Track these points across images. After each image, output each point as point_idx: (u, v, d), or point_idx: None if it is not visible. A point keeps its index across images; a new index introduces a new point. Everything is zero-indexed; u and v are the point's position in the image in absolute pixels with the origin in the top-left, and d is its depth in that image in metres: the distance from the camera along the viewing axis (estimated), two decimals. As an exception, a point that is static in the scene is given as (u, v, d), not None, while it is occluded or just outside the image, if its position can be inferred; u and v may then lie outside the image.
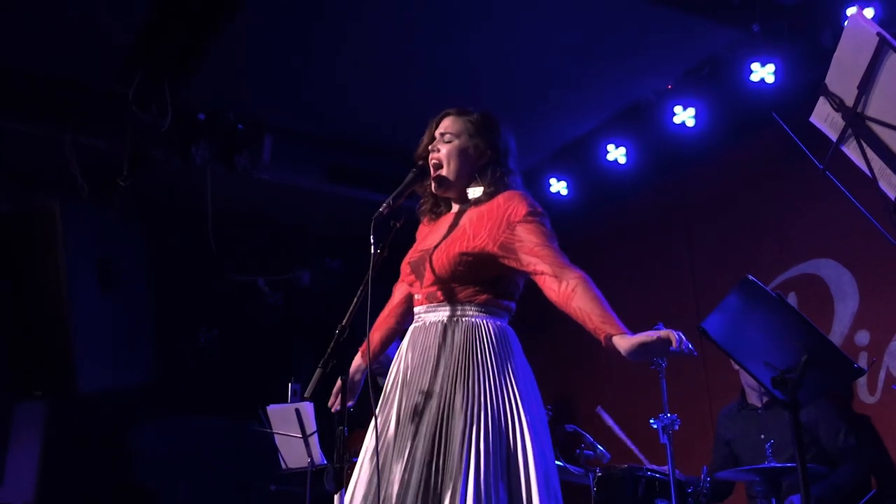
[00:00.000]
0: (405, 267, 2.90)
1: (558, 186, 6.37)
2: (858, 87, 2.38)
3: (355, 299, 2.59)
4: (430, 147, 2.91)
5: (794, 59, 4.87)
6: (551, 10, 4.81)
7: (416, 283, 2.83)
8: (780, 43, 4.87)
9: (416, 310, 2.83)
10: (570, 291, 2.56)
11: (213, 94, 5.56)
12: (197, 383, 6.53)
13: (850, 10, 4.37)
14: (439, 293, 2.75)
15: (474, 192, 2.86)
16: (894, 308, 4.56)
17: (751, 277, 2.65)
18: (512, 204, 2.75)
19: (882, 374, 4.61)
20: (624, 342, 2.46)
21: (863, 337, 4.74)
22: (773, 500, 4.03)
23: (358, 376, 3.01)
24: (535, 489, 2.50)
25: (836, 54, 2.46)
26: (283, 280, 6.99)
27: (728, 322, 2.78)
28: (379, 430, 2.65)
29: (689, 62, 5.30)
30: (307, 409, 4.58)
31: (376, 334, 3.03)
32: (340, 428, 2.47)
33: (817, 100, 2.55)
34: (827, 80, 2.48)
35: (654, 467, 4.55)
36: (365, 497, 2.60)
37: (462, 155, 2.87)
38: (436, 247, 2.79)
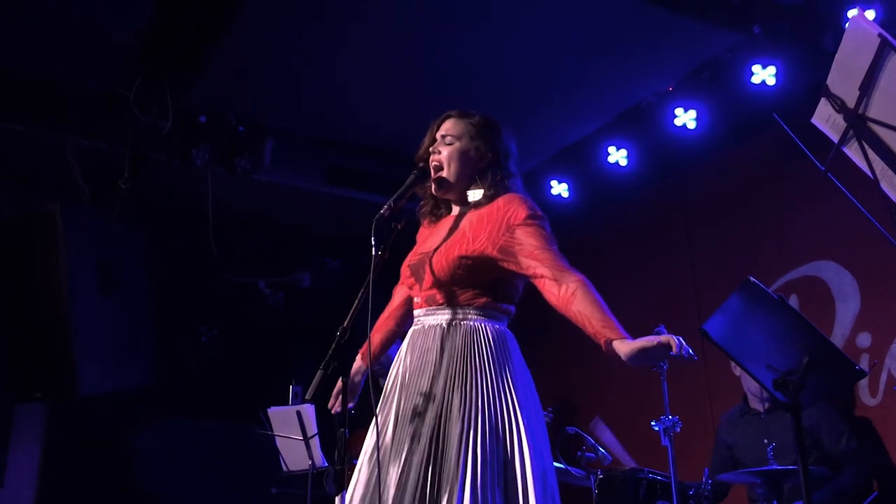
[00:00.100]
0: (405, 269, 2.90)
1: (559, 188, 6.37)
2: (860, 89, 2.38)
3: (356, 301, 2.59)
4: (430, 149, 2.91)
5: (795, 61, 4.87)
6: (552, 12, 4.81)
7: (416, 286, 2.83)
8: (781, 45, 4.86)
9: (415, 313, 2.83)
10: (569, 295, 2.56)
11: (213, 97, 5.57)
12: (198, 385, 6.52)
13: (852, 12, 4.37)
14: (438, 296, 2.75)
15: (474, 194, 2.86)
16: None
17: (752, 279, 2.65)
18: (511, 207, 2.75)
19: (883, 377, 4.61)
20: (624, 347, 2.46)
21: (864, 339, 4.73)
22: (775, 502, 4.02)
23: (358, 378, 3.02)
24: (532, 494, 2.49)
25: (837, 56, 2.45)
26: (283, 282, 6.98)
27: (729, 324, 2.78)
28: (378, 432, 2.65)
29: (690, 64, 5.30)
30: (308, 411, 4.58)
31: (376, 336, 3.03)
32: (341, 430, 2.47)
33: (818, 101, 2.54)
34: (828, 82, 2.48)
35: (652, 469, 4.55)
36: (363, 498, 2.60)
37: (463, 157, 2.87)
38: (435, 250, 2.79)
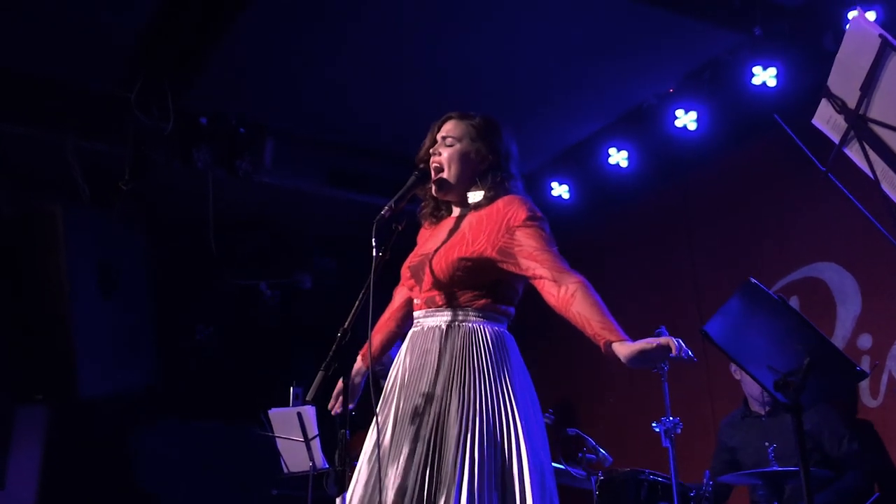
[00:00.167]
0: (405, 271, 2.90)
1: (560, 190, 6.37)
2: (861, 89, 2.38)
3: (357, 302, 2.59)
4: (431, 150, 2.91)
5: (796, 62, 4.87)
6: (552, 13, 4.81)
7: (416, 288, 2.83)
8: (781, 46, 4.86)
9: (415, 314, 2.83)
10: (569, 296, 2.56)
11: (214, 98, 5.57)
12: (198, 387, 6.52)
13: (852, 13, 4.37)
14: (438, 298, 2.75)
15: (475, 196, 2.86)
16: (897, 311, 4.56)
17: (753, 280, 2.65)
18: (511, 208, 2.75)
19: (885, 378, 4.60)
20: (623, 349, 2.46)
21: (865, 340, 4.73)
22: (776, 503, 4.02)
23: (358, 379, 3.02)
24: (530, 495, 2.49)
25: (838, 56, 2.45)
26: (284, 283, 6.99)
27: (730, 325, 2.78)
28: (377, 433, 2.65)
29: (691, 65, 5.30)
30: (309, 412, 4.57)
31: (377, 337, 3.03)
32: (342, 431, 2.46)
33: (819, 103, 2.54)
34: (829, 82, 2.47)
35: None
36: (362, 499, 2.60)
37: (463, 159, 2.87)
38: (435, 251, 2.79)
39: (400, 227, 2.71)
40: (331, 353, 2.51)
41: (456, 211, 2.94)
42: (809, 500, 2.63)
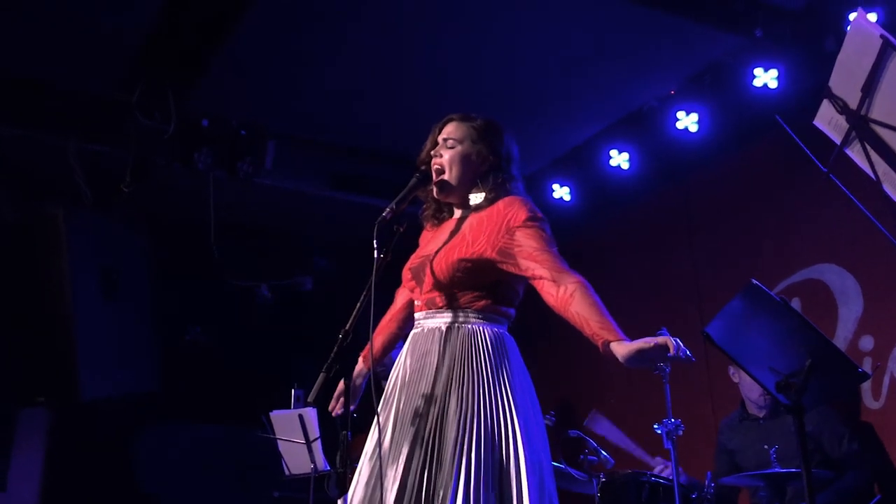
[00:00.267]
0: (406, 273, 2.90)
1: (561, 192, 6.36)
2: (862, 90, 2.38)
3: (358, 304, 2.59)
4: (432, 152, 2.92)
5: (797, 64, 4.87)
6: (553, 15, 4.81)
7: (417, 289, 2.83)
8: (782, 48, 4.86)
9: (416, 316, 2.84)
10: (568, 296, 2.56)
11: (216, 101, 5.57)
12: (199, 389, 6.52)
13: (853, 15, 4.37)
14: (438, 299, 2.75)
15: (476, 197, 2.86)
16: (898, 313, 4.56)
17: (755, 282, 2.65)
18: (512, 209, 2.75)
19: (886, 380, 4.60)
20: (621, 349, 2.46)
21: (867, 342, 4.72)
22: (777, 504, 4.02)
23: (359, 381, 3.02)
24: (527, 497, 2.49)
25: (839, 57, 2.45)
26: (285, 286, 6.99)
27: (732, 327, 2.77)
28: (378, 434, 2.65)
29: (692, 68, 5.30)
30: (310, 414, 4.57)
31: (378, 339, 3.04)
32: (343, 433, 2.47)
33: (820, 104, 2.54)
34: (830, 83, 2.48)
35: (658, 473, 4.54)
36: (363, 500, 2.60)
37: (465, 161, 2.87)
38: (436, 253, 2.79)
39: (401, 229, 2.71)
40: (332, 355, 2.51)
41: (457, 213, 2.94)
42: (811, 502, 2.63)
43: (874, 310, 4.71)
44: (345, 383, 2.77)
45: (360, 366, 3.03)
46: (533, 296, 2.74)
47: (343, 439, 2.46)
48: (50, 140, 5.39)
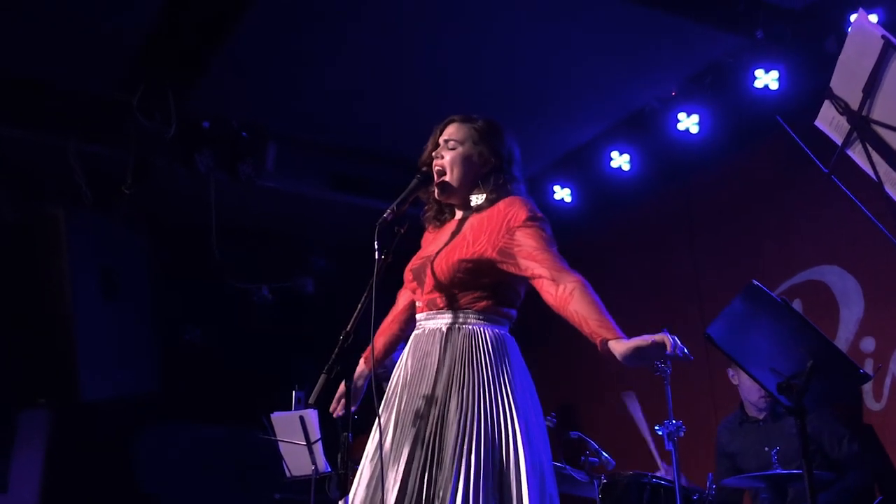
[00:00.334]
0: (408, 274, 2.90)
1: (562, 193, 6.36)
2: (863, 91, 2.37)
3: (359, 305, 2.59)
4: (433, 154, 2.91)
5: (798, 65, 4.86)
6: (553, 16, 4.80)
7: (418, 290, 2.83)
8: (783, 49, 4.86)
9: (417, 317, 2.83)
10: (567, 295, 2.55)
11: (216, 102, 5.57)
12: (200, 390, 6.52)
13: (855, 16, 4.36)
14: (439, 300, 2.75)
15: (477, 198, 2.86)
16: (900, 314, 4.56)
17: (756, 283, 2.64)
18: (512, 209, 2.75)
19: (888, 381, 4.59)
20: (619, 346, 2.45)
21: (868, 343, 4.72)
22: (779, 506, 4.02)
23: (360, 382, 3.02)
24: (527, 498, 2.48)
25: (840, 57, 2.45)
26: (286, 287, 6.99)
27: (733, 328, 2.77)
28: (379, 435, 2.65)
29: (693, 69, 5.29)
30: (311, 416, 4.57)
31: (380, 340, 3.03)
32: (344, 434, 2.46)
33: (822, 105, 2.54)
34: (832, 84, 2.47)
35: (661, 474, 4.54)
36: (364, 501, 2.60)
37: (466, 162, 2.87)
38: (437, 254, 2.79)
39: (402, 231, 2.71)
40: (333, 357, 2.51)
41: (458, 214, 2.94)
42: (813, 502, 2.63)
43: (875, 311, 4.71)
44: (346, 385, 2.77)
45: (361, 367, 3.03)
46: (533, 297, 2.74)
47: (344, 441, 2.46)
48: (50, 140, 5.39)
